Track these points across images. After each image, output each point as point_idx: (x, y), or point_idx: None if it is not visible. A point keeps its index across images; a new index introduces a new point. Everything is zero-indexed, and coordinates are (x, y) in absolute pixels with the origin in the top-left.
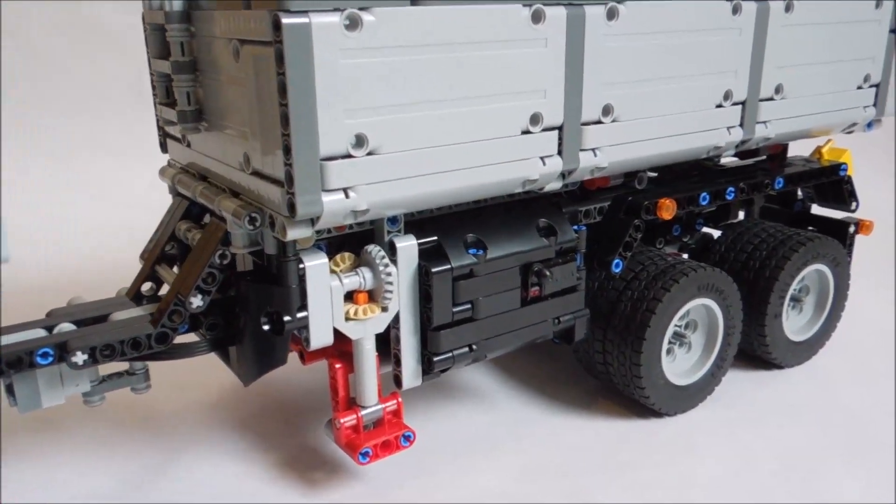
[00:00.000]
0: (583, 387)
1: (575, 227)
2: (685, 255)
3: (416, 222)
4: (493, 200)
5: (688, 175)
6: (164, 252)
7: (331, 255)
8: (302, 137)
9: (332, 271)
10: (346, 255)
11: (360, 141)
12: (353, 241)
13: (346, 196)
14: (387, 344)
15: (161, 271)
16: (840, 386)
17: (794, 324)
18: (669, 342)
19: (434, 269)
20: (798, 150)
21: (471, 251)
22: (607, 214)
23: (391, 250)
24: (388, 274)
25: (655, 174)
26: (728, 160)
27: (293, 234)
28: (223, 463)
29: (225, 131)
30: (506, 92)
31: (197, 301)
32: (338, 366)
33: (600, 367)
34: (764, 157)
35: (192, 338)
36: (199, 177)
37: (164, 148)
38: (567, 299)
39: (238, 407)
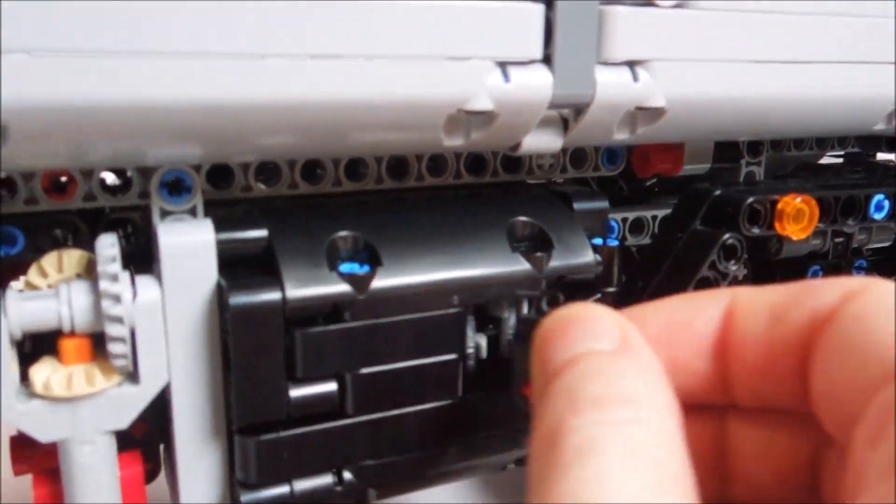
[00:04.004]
0: None
1: (596, 241)
2: None
3: (255, 203)
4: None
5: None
6: None
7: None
8: None
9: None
10: (71, 253)
11: None
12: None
13: None
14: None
15: None
16: None
17: None
18: None
19: (235, 299)
20: None
21: (343, 267)
22: (668, 223)
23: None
24: (116, 298)
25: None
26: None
27: None
28: None
29: None
30: None
31: None
32: (39, 491)
33: None
34: None
35: None
36: None
37: None
38: None
39: None
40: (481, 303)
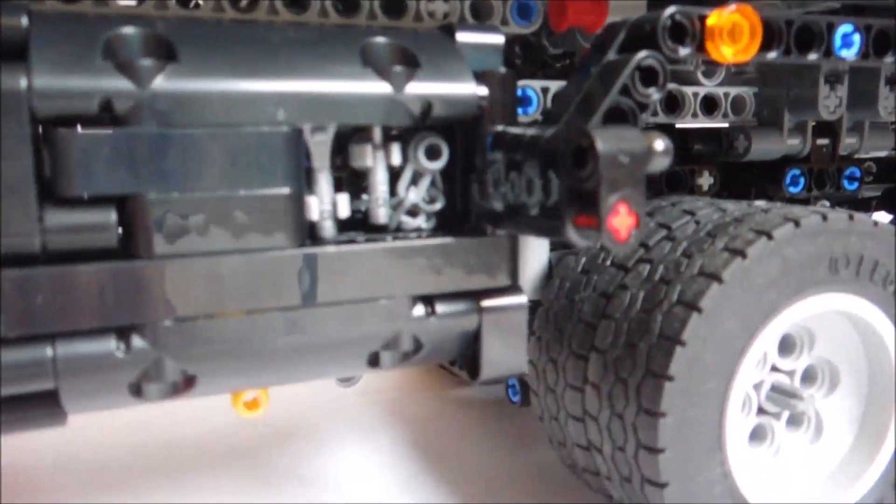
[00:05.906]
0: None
1: (482, 70)
2: None
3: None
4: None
5: None
6: None
7: None
8: None
9: None
10: None
11: None
12: None
13: None
14: None
15: None
16: None
17: None
18: (761, 409)
19: None
20: None
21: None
22: (582, 63)
23: None
24: None
25: None
26: None
27: None
28: None
29: None
30: None
31: None
32: None
33: (581, 452)
34: None
35: None
36: None
37: None
38: (452, 248)
39: None
40: (319, 125)
